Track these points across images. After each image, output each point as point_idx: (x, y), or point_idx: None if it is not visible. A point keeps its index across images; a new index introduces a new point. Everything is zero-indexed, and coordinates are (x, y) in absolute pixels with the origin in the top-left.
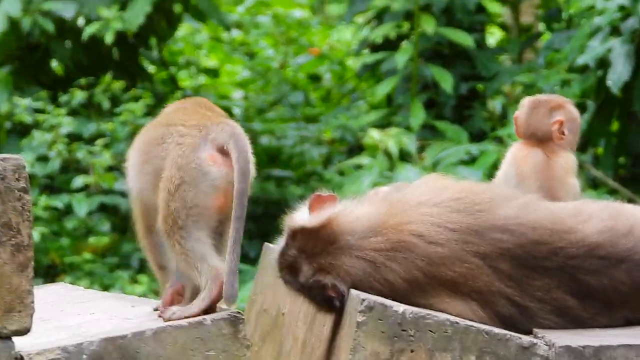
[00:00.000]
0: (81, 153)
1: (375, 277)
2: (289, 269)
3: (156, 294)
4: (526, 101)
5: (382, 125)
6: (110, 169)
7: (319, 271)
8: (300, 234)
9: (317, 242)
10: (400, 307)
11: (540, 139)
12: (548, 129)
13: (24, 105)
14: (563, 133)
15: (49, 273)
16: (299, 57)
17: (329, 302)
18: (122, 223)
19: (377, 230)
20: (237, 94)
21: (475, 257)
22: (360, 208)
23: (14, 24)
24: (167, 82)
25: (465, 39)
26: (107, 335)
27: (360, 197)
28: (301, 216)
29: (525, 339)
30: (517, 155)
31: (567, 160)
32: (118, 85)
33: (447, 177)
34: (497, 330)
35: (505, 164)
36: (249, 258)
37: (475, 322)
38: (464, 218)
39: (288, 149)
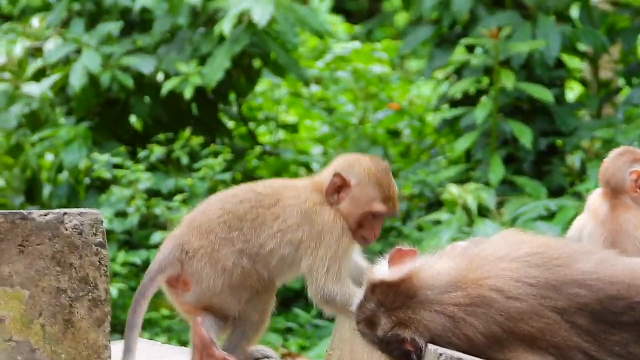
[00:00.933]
0: (159, 209)
1: (454, 332)
2: (366, 321)
3: None
4: (617, 149)
5: (461, 180)
6: None
7: (398, 325)
8: (379, 288)
9: (397, 296)
10: None
11: (613, 188)
12: (623, 177)
13: (102, 161)
14: (639, 187)
15: None
16: (378, 112)
17: (407, 356)
18: None
19: (457, 285)
20: (316, 150)
21: (553, 312)
22: (439, 263)
23: (93, 79)
24: (246, 138)
25: (544, 94)
26: None
27: (439, 252)
28: (381, 270)
29: None
30: (591, 205)
31: (638, 216)
32: (197, 140)
33: (524, 232)
34: None
35: (583, 212)
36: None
37: None
38: (542, 273)
39: None
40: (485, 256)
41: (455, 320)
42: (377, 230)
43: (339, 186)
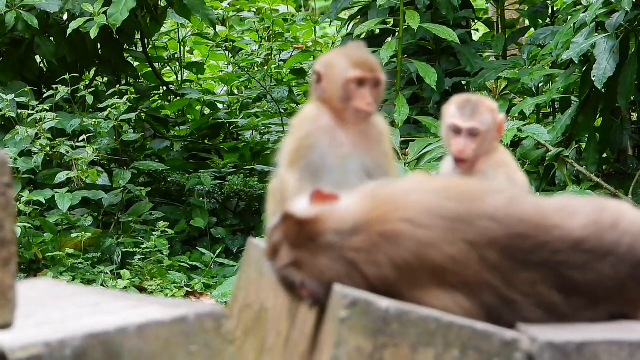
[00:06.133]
0: (64, 148)
1: (353, 279)
2: (272, 248)
3: (139, 289)
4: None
5: None
6: (93, 164)
7: (294, 264)
8: (289, 220)
9: (300, 235)
10: (383, 303)
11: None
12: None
13: (7, 101)
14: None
15: (31, 268)
16: (283, 52)
17: (300, 298)
18: (104, 218)
19: (361, 228)
20: (221, 89)
21: (464, 244)
22: (348, 206)
23: None
24: (152, 78)
25: (449, 35)
26: (90, 331)
27: (353, 192)
28: (299, 203)
29: (509, 333)
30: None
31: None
32: (102, 80)
33: (434, 174)
34: (480, 325)
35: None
36: (232, 253)
37: (460, 315)
38: (452, 205)
39: (272, 144)
40: (394, 191)
41: (354, 266)
42: (367, 98)
43: (318, 79)
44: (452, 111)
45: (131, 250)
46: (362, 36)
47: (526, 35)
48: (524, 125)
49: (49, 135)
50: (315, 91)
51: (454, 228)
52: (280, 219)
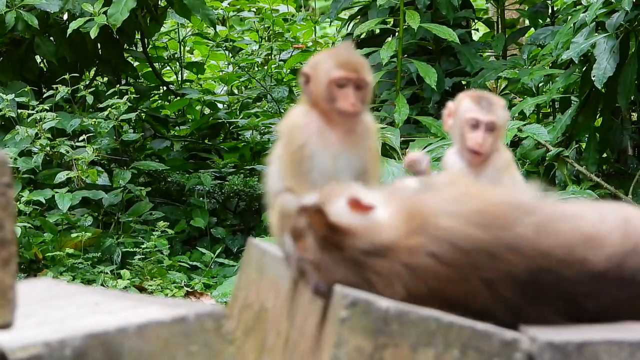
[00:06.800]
0: (64, 148)
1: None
2: (295, 232)
3: (139, 289)
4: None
5: None
6: (93, 163)
7: (314, 264)
8: (319, 217)
9: (328, 238)
10: (383, 303)
11: None
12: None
13: (7, 100)
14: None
15: (31, 268)
16: (283, 52)
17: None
18: (104, 218)
19: (387, 253)
20: (221, 89)
21: (481, 282)
22: (382, 225)
23: None
24: (151, 78)
25: (449, 35)
26: (90, 331)
27: (389, 195)
28: (335, 204)
29: (509, 333)
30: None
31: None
32: (102, 80)
33: (469, 180)
34: (480, 325)
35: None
36: (232, 253)
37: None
38: (481, 235)
39: (271, 144)
40: (427, 211)
41: (372, 286)
42: (351, 98)
43: (306, 81)
44: (469, 105)
45: (131, 250)
46: (362, 36)
47: (526, 35)
48: (524, 125)
49: (49, 135)
50: (304, 93)
51: (475, 263)
52: (310, 205)
